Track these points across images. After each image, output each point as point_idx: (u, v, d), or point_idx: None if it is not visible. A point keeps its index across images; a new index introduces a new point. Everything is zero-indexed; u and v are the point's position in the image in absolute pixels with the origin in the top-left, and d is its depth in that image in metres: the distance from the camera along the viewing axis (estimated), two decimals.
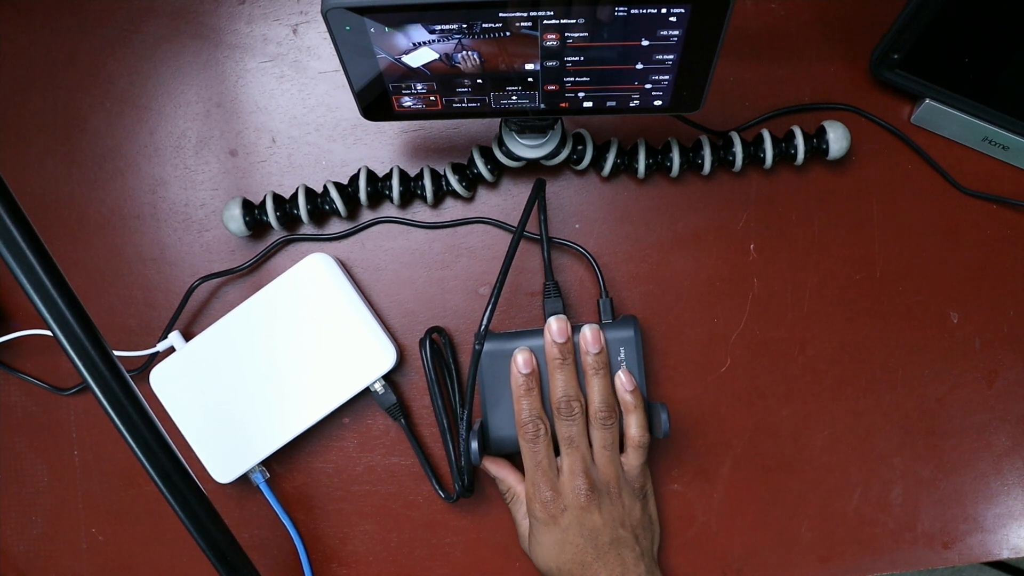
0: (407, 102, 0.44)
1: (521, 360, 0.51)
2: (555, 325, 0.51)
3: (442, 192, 0.57)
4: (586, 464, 0.51)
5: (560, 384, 0.51)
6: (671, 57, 0.40)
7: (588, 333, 0.51)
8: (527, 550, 0.54)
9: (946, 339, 0.58)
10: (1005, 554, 0.58)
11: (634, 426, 0.51)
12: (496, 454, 0.55)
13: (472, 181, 0.56)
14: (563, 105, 0.44)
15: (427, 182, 0.55)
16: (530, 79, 0.42)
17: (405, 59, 0.40)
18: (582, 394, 0.51)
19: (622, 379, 0.52)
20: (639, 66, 0.41)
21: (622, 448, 0.52)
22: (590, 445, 0.51)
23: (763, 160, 0.55)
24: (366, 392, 0.56)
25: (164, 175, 0.59)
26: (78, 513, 0.59)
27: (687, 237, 0.58)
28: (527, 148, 0.53)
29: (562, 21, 0.37)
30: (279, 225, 0.56)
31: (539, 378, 0.52)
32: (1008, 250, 0.58)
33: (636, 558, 0.51)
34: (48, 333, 0.43)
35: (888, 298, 0.58)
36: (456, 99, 0.44)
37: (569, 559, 0.50)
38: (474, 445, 0.52)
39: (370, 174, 0.56)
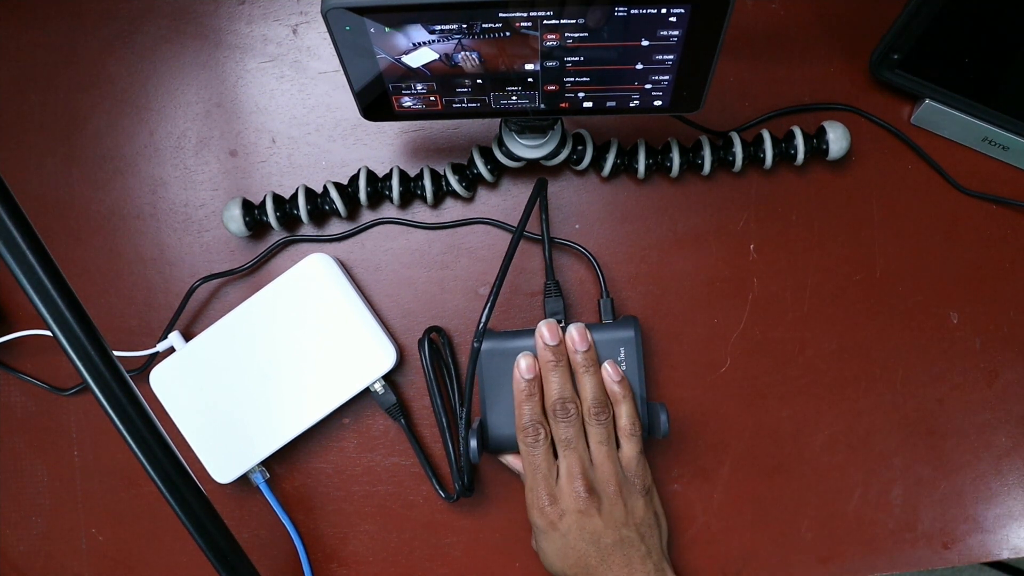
0: (407, 102, 0.44)
1: (524, 365, 0.51)
2: (545, 329, 0.51)
3: (442, 192, 0.57)
4: (583, 466, 0.50)
5: (555, 386, 0.51)
6: (671, 57, 0.40)
7: (574, 332, 0.51)
8: (537, 551, 0.54)
9: (946, 339, 0.58)
10: (1005, 554, 0.58)
11: (624, 416, 0.51)
12: (496, 452, 0.55)
13: (472, 181, 0.56)
14: (563, 105, 0.44)
15: (427, 182, 0.55)
16: (530, 79, 0.42)
17: (405, 59, 0.40)
18: (577, 396, 0.51)
19: (608, 371, 0.51)
20: (639, 66, 0.41)
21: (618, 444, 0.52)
22: (588, 447, 0.51)
23: (763, 160, 0.55)
24: (366, 392, 0.56)
25: (164, 175, 0.59)
26: (78, 513, 0.59)
27: (687, 237, 0.58)
28: (527, 148, 0.53)
29: (562, 21, 0.37)
30: (279, 225, 0.56)
31: (540, 383, 0.52)
32: (1008, 250, 0.58)
33: (643, 557, 0.50)
34: (48, 333, 0.43)
35: (888, 298, 0.58)
36: (456, 99, 0.44)
37: (572, 564, 0.50)
38: (473, 444, 0.52)
39: (370, 174, 0.56)
